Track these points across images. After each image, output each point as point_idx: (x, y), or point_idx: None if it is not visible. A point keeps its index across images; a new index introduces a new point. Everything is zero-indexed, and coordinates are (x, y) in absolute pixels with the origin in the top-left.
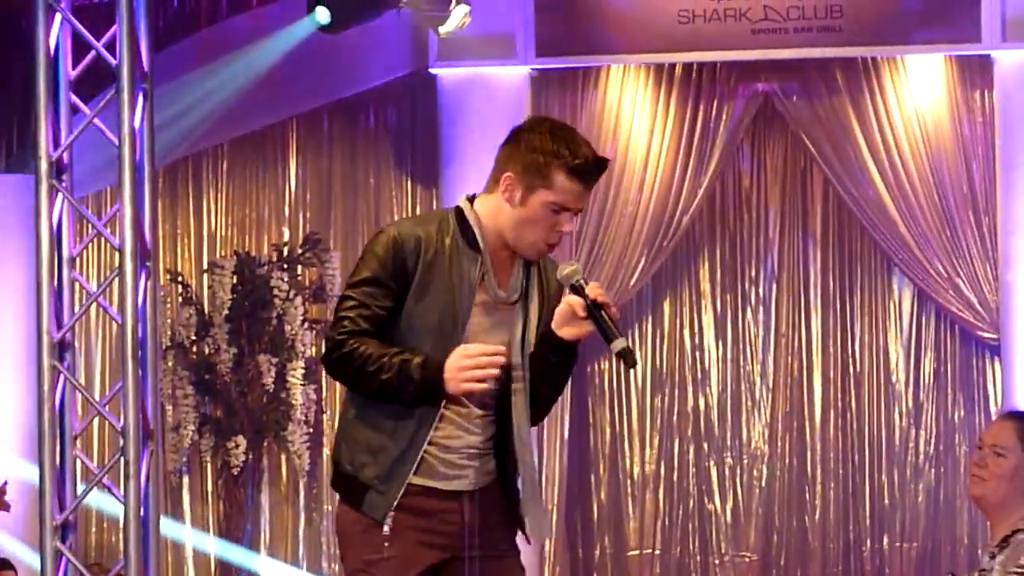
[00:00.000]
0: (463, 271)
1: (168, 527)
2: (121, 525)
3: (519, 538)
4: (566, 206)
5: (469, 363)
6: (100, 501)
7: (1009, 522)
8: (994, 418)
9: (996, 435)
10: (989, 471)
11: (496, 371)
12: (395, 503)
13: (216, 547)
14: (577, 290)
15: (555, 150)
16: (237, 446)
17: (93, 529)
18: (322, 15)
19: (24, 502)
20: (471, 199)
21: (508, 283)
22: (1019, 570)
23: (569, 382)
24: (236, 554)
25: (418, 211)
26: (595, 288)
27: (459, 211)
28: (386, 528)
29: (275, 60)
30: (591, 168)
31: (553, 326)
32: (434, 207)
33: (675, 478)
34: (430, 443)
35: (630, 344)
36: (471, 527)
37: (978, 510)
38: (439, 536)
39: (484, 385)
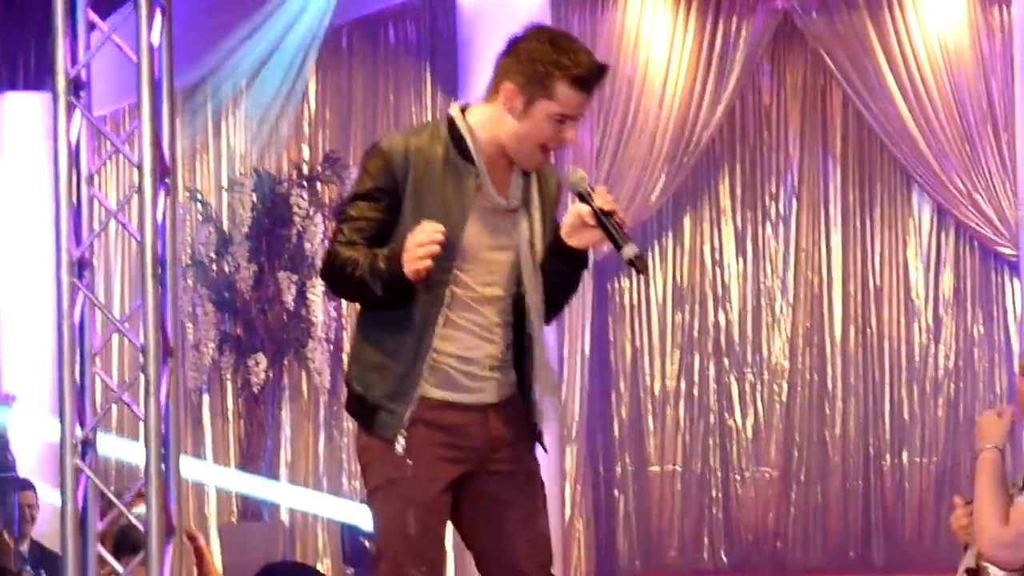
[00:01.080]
0: (458, 180)
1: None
2: (142, 442)
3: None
4: (568, 115)
5: (411, 244)
6: (119, 452)
7: None
8: (1015, 334)
9: None
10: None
11: (436, 248)
12: (405, 420)
13: (236, 478)
14: (584, 198)
15: (556, 60)
16: (257, 364)
17: (112, 455)
18: None
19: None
20: (464, 108)
21: (507, 191)
22: None
23: (590, 300)
24: (255, 485)
25: None
26: (602, 194)
27: (450, 120)
28: (398, 447)
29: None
30: (593, 76)
31: (562, 235)
32: None
33: (696, 394)
34: (448, 355)
35: (641, 250)
36: (495, 440)
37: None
38: (461, 451)
39: (427, 263)
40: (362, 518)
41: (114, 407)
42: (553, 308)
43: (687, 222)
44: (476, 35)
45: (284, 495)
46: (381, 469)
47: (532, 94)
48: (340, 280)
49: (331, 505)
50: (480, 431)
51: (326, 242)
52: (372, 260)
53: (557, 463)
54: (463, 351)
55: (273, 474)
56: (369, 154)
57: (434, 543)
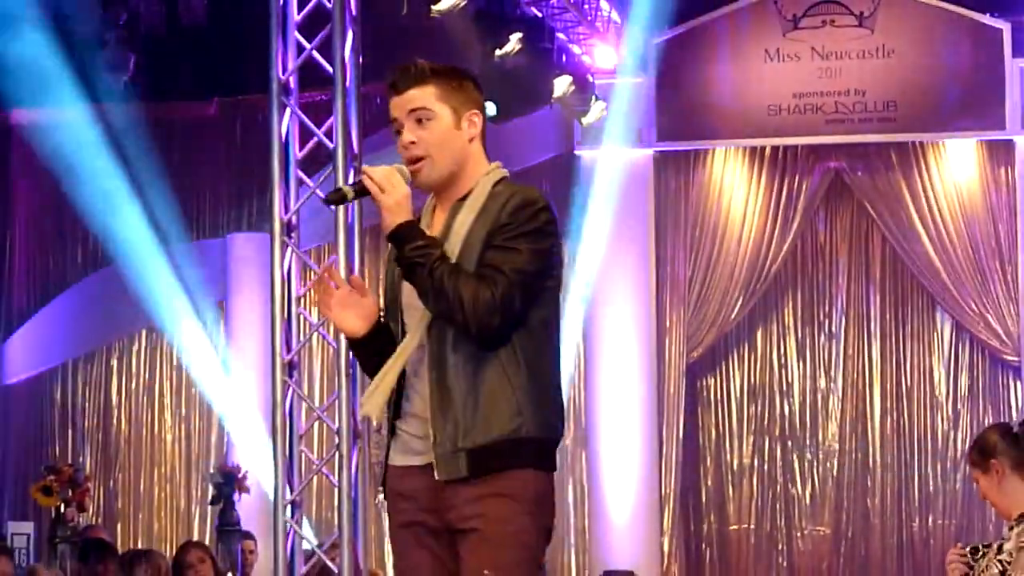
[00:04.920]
0: None
1: None
2: (336, 505)
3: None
4: (394, 120)
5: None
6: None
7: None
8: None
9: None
10: (981, 491)
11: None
12: (384, 489)
13: None
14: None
15: None
16: None
17: (314, 509)
18: (490, 108)
19: (258, 491)
20: None
21: (437, 231)
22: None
23: (684, 394)
24: None
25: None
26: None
27: None
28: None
29: None
30: (393, 76)
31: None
32: (568, 267)
33: (766, 469)
34: (410, 416)
35: (345, 190)
36: (442, 498)
37: None
38: (423, 513)
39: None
40: None
41: (315, 477)
42: (448, 322)
43: (759, 335)
44: (589, 186)
45: None
46: None
47: None
48: None
49: None
50: (430, 491)
51: None
52: None
53: (656, 520)
54: (420, 411)
55: None
56: None
57: None
